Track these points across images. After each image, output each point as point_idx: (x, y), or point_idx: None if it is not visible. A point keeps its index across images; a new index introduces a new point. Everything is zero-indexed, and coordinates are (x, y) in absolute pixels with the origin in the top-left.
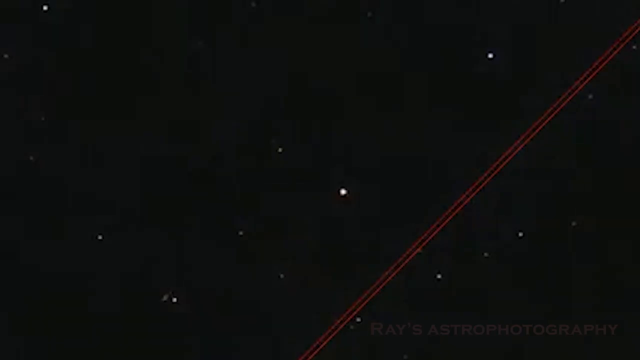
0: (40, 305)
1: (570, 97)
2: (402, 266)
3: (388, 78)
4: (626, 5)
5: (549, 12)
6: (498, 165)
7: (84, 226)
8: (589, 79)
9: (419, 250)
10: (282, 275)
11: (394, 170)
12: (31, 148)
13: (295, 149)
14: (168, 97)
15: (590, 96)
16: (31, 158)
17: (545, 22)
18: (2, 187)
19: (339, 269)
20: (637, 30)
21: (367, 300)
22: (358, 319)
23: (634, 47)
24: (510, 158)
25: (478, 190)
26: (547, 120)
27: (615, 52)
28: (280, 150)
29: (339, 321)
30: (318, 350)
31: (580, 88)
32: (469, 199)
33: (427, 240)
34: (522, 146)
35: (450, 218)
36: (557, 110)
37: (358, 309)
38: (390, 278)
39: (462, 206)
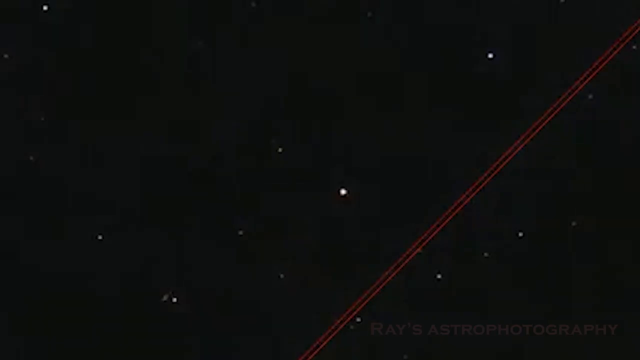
0: (40, 305)
1: (570, 97)
2: (402, 266)
3: (388, 78)
4: (626, 5)
5: (549, 12)
6: (498, 165)
7: (84, 226)
8: (589, 79)
9: (419, 250)
10: (282, 275)
11: (394, 170)
12: (31, 148)
13: (295, 149)
14: (168, 97)
15: (590, 96)
16: (31, 158)
17: (545, 22)
18: (2, 187)
19: (339, 269)
20: (637, 30)
21: (367, 300)
22: (358, 319)
23: (634, 47)
24: (510, 158)
25: (478, 190)
26: (547, 120)
27: (615, 52)
28: (280, 150)
29: (339, 321)
30: (318, 350)
31: (580, 88)
32: (469, 199)
33: (427, 240)
34: (522, 146)
35: (450, 218)
36: (557, 110)
37: (358, 309)
38: (390, 278)
39: (462, 206)
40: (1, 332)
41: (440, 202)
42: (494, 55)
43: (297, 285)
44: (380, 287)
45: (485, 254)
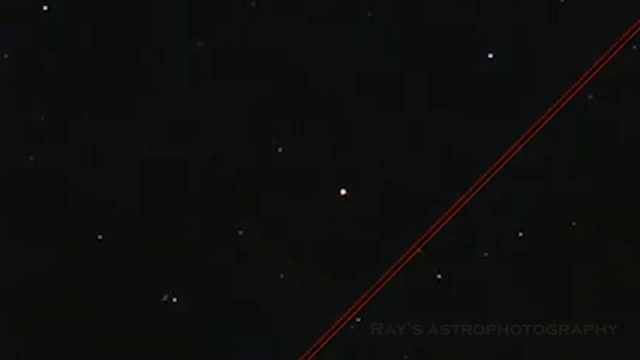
0: (40, 305)
1: (570, 97)
2: (402, 266)
3: (388, 78)
4: (626, 5)
5: (549, 12)
6: (498, 165)
7: (84, 226)
8: (589, 79)
9: (419, 250)
10: (282, 275)
11: (394, 170)
12: (31, 148)
13: (295, 149)
14: (168, 97)
15: (590, 96)
16: (31, 158)
17: (545, 22)
18: (2, 187)
19: (339, 269)
20: (637, 30)
21: (367, 300)
22: (358, 319)
23: (634, 47)
24: (510, 158)
25: (478, 190)
26: (547, 120)
27: (615, 52)
28: (280, 150)
29: (339, 321)
30: (318, 350)
31: (580, 88)
32: (469, 199)
33: (427, 240)
34: (522, 146)
35: (450, 218)
36: (557, 110)
37: (358, 309)
38: (390, 278)
39: (462, 206)
40: (1, 332)
41: (440, 202)
42: (494, 55)
43: (297, 285)
44: (380, 287)
45: (485, 254)
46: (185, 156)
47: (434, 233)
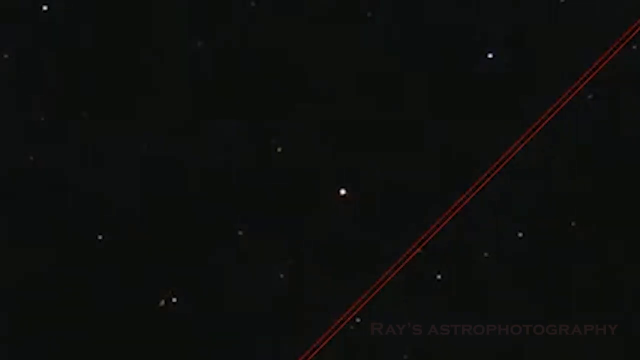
0: (40, 305)
1: (570, 97)
2: (402, 266)
3: (388, 78)
4: (626, 5)
5: (549, 12)
6: (498, 165)
7: (84, 226)
8: (589, 79)
9: (419, 250)
10: (282, 275)
11: (394, 170)
12: (31, 148)
13: (295, 149)
14: (168, 97)
15: (590, 96)
16: (31, 158)
17: (545, 22)
18: (2, 187)
19: (339, 269)
20: (637, 30)
21: (367, 300)
22: (358, 319)
23: (634, 47)
24: (510, 158)
25: (478, 190)
26: (547, 120)
27: (615, 52)
28: (280, 150)
29: (339, 321)
30: (318, 350)
31: (580, 88)
32: (469, 199)
33: (427, 240)
34: (522, 146)
35: (450, 218)
36: (557, 110)
37: (358, 309)
38: (390, 278)
39: (462, 206)
40: (1, 332)
41: (440, 202)
42: (494, 55)
43: (297, 285)
44: (380, 287)
45: (485, 254)
46: (185, 156)
47: (434, 233)
